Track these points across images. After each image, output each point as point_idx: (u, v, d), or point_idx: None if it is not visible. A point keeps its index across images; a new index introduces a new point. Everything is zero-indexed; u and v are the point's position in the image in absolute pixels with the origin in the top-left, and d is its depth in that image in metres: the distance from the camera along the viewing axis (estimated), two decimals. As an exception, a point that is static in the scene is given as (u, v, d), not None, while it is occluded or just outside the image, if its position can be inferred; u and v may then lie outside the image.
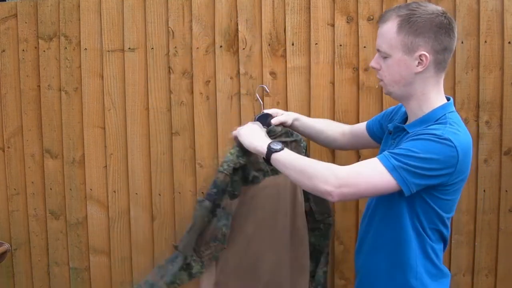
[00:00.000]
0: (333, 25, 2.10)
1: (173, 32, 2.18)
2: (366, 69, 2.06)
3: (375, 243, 1.54)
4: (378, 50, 1.45)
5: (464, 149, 1.38)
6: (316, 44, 2.11)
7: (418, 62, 1.39)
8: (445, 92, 2.04)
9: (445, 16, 1.40)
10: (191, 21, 2.16)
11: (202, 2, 2.15)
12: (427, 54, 1.38)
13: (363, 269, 1.60)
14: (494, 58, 2.02)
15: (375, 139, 1.77)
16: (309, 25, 2.11)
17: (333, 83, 2.12)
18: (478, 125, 2.05)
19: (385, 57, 1.42)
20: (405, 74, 1.41)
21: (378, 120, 1.76)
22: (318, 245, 1.98)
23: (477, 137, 2.05)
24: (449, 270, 2.12)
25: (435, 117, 1.42)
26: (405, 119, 1.54)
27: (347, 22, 2.09)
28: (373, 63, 1.46)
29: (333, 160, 2.14)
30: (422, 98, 1.43)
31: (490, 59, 2.02)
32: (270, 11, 2.12)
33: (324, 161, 2.14)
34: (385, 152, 1.36)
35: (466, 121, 2.04)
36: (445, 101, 1.47)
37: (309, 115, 2.11)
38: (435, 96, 1.44)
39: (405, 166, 1.31)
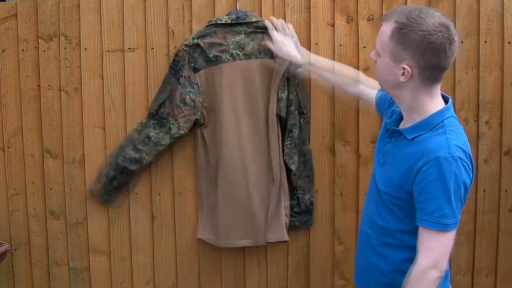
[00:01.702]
0: (333, 25, 2.10)
1: (173, 32, 2.18)
2: (366, 69, 2.06)
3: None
4: (375, 47, 1.46)
5: (470, 153, 1.41)
6: (316, 44, 2.11)
7: (402, 73, 1.37)
8: (445, 92, 2.04)
9: (441, 35, 1.32)
10: (191, 21, 2.16)
11: (202, 2, 2.15)
12: (409, 69, 1.35)
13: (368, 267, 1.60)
14: (494, 58, 2.02)
15: (379, 111, 1.79)
16: (309, 25, 2.11)
17: (333, 83, 2.12)
18: (478, 125, 2.05)
19: (378, 55, 1.44)
20: (391, 79, 1.40)
21: (386, 97, 1.71)
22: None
23: (477, 137, 2.05)
24: (450, 270, 2.13)
25: (432, 124, 1.40)
26: (401, 118, 1.53)
27: (347, 22, 2.09)
28: (372, 55, 1.47)
29: (333, 160, 2.14)
30: (415, 105, 1.42)
31: (490, 59, 2.03)
32: (270, 11, 2.12)
33: (324, 160, 2.15)
34: (428, 217, 1.35)
35: (466, 121, 2.04)
36: (442, 105, 1.44)
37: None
38: (429, 103, 1.42)
39: (455, 210, 1.35)
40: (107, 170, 2.18)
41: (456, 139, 1.37)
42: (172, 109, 2.09)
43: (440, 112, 1.41)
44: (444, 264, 1.36)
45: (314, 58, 2.01)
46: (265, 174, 2.10)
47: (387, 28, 1.38)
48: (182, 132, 2.10)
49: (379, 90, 1.78)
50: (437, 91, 1.43)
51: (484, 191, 2.07)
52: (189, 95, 2.08)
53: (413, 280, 1.36)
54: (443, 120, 1.40)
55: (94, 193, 2.24)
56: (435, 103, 1.42)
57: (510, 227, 2.08)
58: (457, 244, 2.09)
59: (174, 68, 2.10)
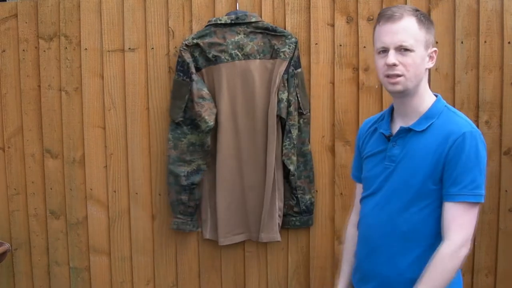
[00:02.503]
0: (333, 25, 2.10)
1: (173, 32, 2.18)
2: (366, 69, 2.06)
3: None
4: (400, 46, 1.42)
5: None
6: (316, 44, 2.11)
7: (430, 57, 1.45)
8: (445, 92, 2.06)
9: None
10: (191, 21, 2.16)
11: (202, 2, 2.15)
12: (437, 50, 1.46)
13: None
14: (494, 58, 2.02)
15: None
16: (309, 25, 2.11)
17: (333, 83, 2.12)
18: (478, 125, 2.05)
19: (408, 51, 1.41)
20: (422, 69, 1.44)
21: (360, 162, 1.67)
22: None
23: (477, 137, 2.04)
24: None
25: (438, 111, 1.46)
26: (389, 121, 1.54)
27: (347, 22, 2.09)
28: (393, 60, 1.41)
29: (333, 160, 2.15)
30: (423, 93, 1.47)
31: (490, 59, 2.03)
32: (270, 11, 2.12)
33: (324, 160, 2.15)
34: (463, 191, 1.37)
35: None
36: (433, 95, 1.51)
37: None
38: (428, 92, 1.49)
39: (480, 182, 1.38)
40: (179, 199, 2.15)
41: (467, 118, 1.45)
42: (194, 108, 2.09)
43: (439, 100, 1.49)
44: (470, 242, 1.38)
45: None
46: (261, 174, 2.11)
47: (410, 22, 1.41)
48: (210, 124, 2.08)
49: (353, 177, 1.73)
50: None
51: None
52: (204, 90, 2.08)
53: (445, 259, 1.36)
54: (445, 105, 1.47)
55: (183, 227, 2.19)
56: (430, 92, 1.50)
57: (510, 227, 2.08)
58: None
59: (182, 69, 2.10)
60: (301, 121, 2.09)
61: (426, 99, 1.47)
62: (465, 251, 1.36)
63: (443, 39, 2.04)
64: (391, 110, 1.55)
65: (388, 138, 1.51)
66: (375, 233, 1.53)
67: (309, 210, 2.15)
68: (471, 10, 2.02)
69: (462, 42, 2.03)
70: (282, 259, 2.23)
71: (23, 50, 2.29)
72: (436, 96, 1.51)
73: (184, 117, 2.12)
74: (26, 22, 2.27)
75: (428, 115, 1.45)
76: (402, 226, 1.46)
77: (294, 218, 2.15)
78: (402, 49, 1.41)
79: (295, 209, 2.14)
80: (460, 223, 1.37)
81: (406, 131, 1.47)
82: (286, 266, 2.23)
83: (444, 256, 1.36)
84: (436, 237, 1.42)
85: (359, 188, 1.68)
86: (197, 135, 2.13)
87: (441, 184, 1.40)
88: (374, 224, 1.53)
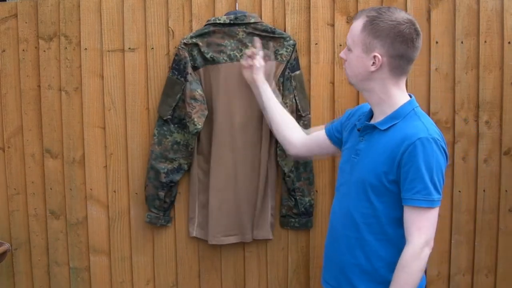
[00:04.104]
0: (333, 25, 2.10)
1: (173, 32, 2.18)
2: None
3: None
4: (346, 43, 1.57)
5: (443, 137, 1.51)
6: (316, 44, 2.11)
7: (373, 62, 1.49)
8: (445, 92, 2.06)
9: (409, 26, 1.47)
10: (191, 21, 2.16)
11: (202, 2, 2.15)
12: (379, 57, 1.47)
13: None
14: (494, 58, 2.02)
15: (336, 144, 1.81)
16: (309, 25, 2.11)
17: (333, 83, 2.12)
18: (478, 125, 2.05)
19: (349, 50, 1.54)
20: (361, 71, 1.51)
21: (339, 125, 1.79)
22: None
23: (477, 137, 2.05)
24: (449, 270, 2.14)
25: (404, 113, 1.51)
26: (370, 117, 1.61)
27: (347, 22, 2.09)
28: (341, 54, 1.59)
29: (333, 159, 2.14)
30: (385, 96, 1.52)
31: (490, 59, 2.03)
32: (270, 11, 2.12)
33: (324, 160, 2.15)
34: (416, 196, 1.43)
35: (466, 121, 2.05)
36: (408, 98, 1.55)
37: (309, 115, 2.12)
38: (397, 95, 1.53)
39: (439, 188, 1.45)
40: (156, 193, 2.17)
41: (430, 123, 1.50)
42: (185, 108, 2.09)
43: (409, 102, 1.53)
44: (432, 242, 1.45)
45: (272, 98, 1.97)
46: (255, 175, 2.11)
47: (358, 23, 1.51)
48: (198, 127, 2.06)
49: (325, 127, 1.85)
50: (404, 84, 1.54)
51: (484, 191, 2.07)
52: (197, 91, 2.07)
53: (409, 261, 1.43)
54: (413, 109, 1.52)
55: (155, 221, 2.21)
56: (403, 96, 1.54)
57: (510, 227, 2.08)
58: (457, 244, 2.10)
59: (178, 68, 2.09)
60: (300, 123, 2.09)
61: (392, 101, 1.52)
62: (427, 251, 1.44)
63: (443, 39, 2.04)
64: None
65: (359, 130, 1.59)
66: (337, 224, 1.63)
67: (308, 213, 2.15)
68: (471, 10, 2.02)
69: (462, 42, 2.03)
70: (282, 259, 2.23)
71: (23, 50, 2.29)
72: (411, 96, 1.56)
73: (172, 115, 2.13)
74: (26, 22, 2.27)
75: (394, 116, 1.51)
76: (357, 218, 1.54)
77: (293, 220, 2.16)
78: (347, 47, 1.55)
79: (294, 211, 2.14)
80: (419, 226, 1.44)
81: (372, 128, 1.54)
82: (286, 266, 2.23)
83: (407, 258, 1.43)
84: (390, 232, 1.50)
85: (320, 130, 1.86)
86: (183, 134, 2.14)
87: (396, 185, 1.47)
88: (337, 214, 1.64)
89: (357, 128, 1.61)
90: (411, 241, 1.43)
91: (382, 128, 1.51)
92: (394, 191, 1.48)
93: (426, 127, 1.46)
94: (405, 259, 1.43)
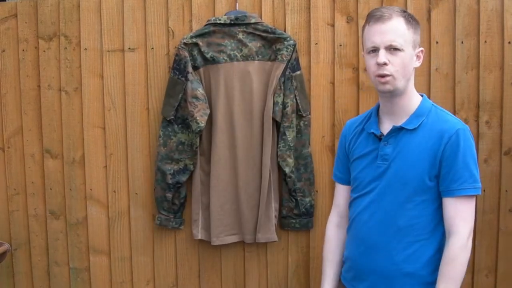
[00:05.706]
0: (333, 25, 2.10)
1: (173, 32, 2.18)
2: (366, 69, 2.05)
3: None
4: (390, 45, 1.44)
5: None
6: (316, 44, 2.11)
7: (417, 57, 1.50)
8: (445, 92, 2.06)
9: None
10: (191, 21, 2.16)
11: (202, 2, 2.15)
12: (423, 50, 1.52)
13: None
14: (494, 58, 2.02)
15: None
16: (309, 25, 2.11)
17: (333, 83, 2.12)
18: (478, 125, 2.05)
19: (397, 50, 1.44)
20: (410, 69, 1.49)
21: (344, 158, 1.69)
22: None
23: (477, 137, 2.04)
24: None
25: (426, 110, 1.51)
26: (376, 122, 1.57)
27: (347, 22, 2.09)
28: (384, 59, 1.44)
29: (334, 159, 2.14)
30: (410, 93, 1.52)
31: (490, 59, 2.03)
32: (270, 11, 2.12)
33: (324, 160, 2.15)
34: (463, 185, 1.44)
35: (466, 121, 2.04)
36: (418, 94, 1.56)
37: (309, 115, 2.12)
38: (415, 91, 1.54)
39: (477, 176, 1.46)
40: (164, 195, 2.16)
41: (454, 116, 1.54)
42: (187, 107, 2.09)
43: (426, 98, 1.55)
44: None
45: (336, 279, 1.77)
46: (255, 175, 2.11)
47: (398, 23, 1.45)
48: (201, 125, 2.07)
49: (336, 180, 1.72)
50: None
51: (484, 191, 2.07)
52: (199, 90, 2.07)
53: (457, 253, 1.42)
54: (432, 104, 1.53)
55: (166, 223, 2.20)
56: (416, 92, 1.55)
57: (510, 227, 2.08)
58: (457, 244, 2.09)
59: (178, 68, 2.09)
60: (301, 123, 2.09)
61: (414, 98, 1.53)
62: (471, 241, 1.45)
63: (443, 39, 2.04)
64: (377, 110, 1.60)
65: (379, 137, 1.54)
66: (372, 231, 1.56)
67: (308, 213, 2.15)
68: (471, 10, 2.02)
69: (462, 42, 2.03)
70: (282, 259, 2.23)
71: (23, 50, 2.29)
72: (422, 95, 1.55)
73: (176, 115, 2.13)
74: (25, 22, 2.27)
75: (418, 114, 1.51)
76: (399, 221, 1.50)
77: (293, 220, 2.15)
78: (392, 49, 1.45)
79: (295, 211, 2.14)
80: (464, 217, 1.44)
81: (398, 130, 1.51)
82: (286, 266, 2.23)
83: (456, 250, 1.43)
84: (431, 230, 1.48)
85: (341, 190, 1.71)
86: (187, 134, 2.14)
87: (436, 180, 1.46)
88: (370, 221, 1.56)
89: (378, 135, 1.55)
90: (457, 232, 1.43)
91: (411, 128, 1.49)
92: (433, 187, 1.47)
93: (457, 119, 1.50)
94: (454, 251, 1.42)
